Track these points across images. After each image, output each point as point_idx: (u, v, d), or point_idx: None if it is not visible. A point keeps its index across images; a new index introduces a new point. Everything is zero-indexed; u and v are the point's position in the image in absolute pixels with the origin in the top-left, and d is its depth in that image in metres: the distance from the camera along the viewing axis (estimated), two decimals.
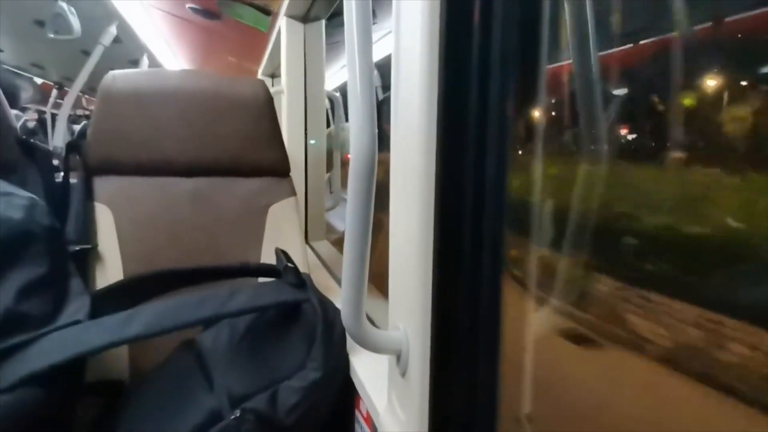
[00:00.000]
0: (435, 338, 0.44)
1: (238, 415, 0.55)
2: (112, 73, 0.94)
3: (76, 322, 0.62)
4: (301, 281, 0.70)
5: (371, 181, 0.43)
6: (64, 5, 1.83)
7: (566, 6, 0.56)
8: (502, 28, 0.40)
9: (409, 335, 0.46)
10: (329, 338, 0.64)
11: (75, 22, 1.86)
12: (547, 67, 0.51)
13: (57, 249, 0.71)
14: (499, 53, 0.40)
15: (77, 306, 0.66)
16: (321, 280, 1.08)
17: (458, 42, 0.41)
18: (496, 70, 0.40)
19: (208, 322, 0.71)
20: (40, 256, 0.66)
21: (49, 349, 0.56)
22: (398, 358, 0.48)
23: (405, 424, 0.48)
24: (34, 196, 0.73)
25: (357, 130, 0.42)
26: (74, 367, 0.63)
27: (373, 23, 0.45)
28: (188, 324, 0.60)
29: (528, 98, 0.51)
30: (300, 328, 0.65)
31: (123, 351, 0.82)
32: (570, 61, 0.56)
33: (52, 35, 1.90)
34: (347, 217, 0.44)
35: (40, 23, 2.22)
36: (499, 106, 0.40)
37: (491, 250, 0.42)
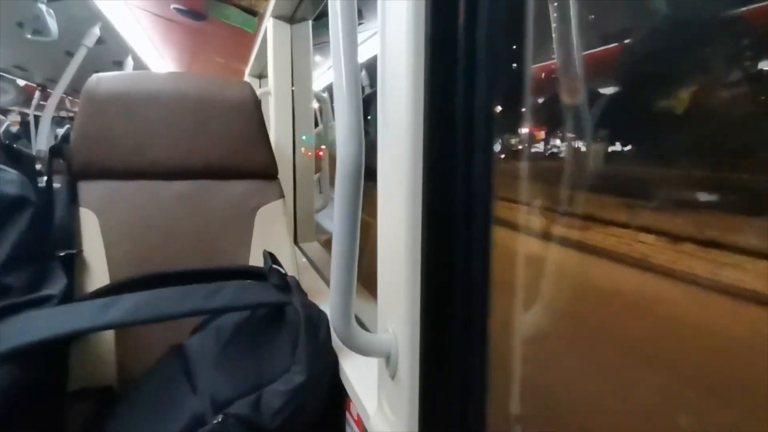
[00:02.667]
0: (424, 340, 0.44)
1: (220, 419, 0.55)
2: (95, 75, 0.93)
3: (49, 297, 0.64)
4: (286, 283, 0.69)
5: (358, 182, 0.43)
6: (43, 7, 1.80)
7: (550, 5, 0.56)
8: (487, 27, 0.39)
9: (398, 338, 0.46)
10: (313, 341, 0.63)
11: (52, 24, 1.84)
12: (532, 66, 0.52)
13: (42, 225, 0.74)
14: (484, 53, 0.40)
15: (54, 281, 0.69)
16: (310, 282, 1.07)
17: (444, 42, 0.40)
18: (482, 70, 0.40)
19: (190, 316, 0.71)
20: (29, 229, 0.70)
21: (25, 328, 0.56)
22: (387, 360, 0.48)
23: (395, 426, 0.48)
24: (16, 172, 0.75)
25: (343, 132, 0.42)
26: (54, 351, 0.66)
27: (360, 23, 0.44)
28: (169, 316, 0.60)
29: (514, 96, 0.51)
30: (284, 332, 0.65)
31: (111, 357, 0.81)
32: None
33: (29, 36, 1.88)
34: (335, 219, 0.43)
35: (22, 25, 2.18)
36: (486, 108, 0.40)
37: (479, 252, 0.42)
